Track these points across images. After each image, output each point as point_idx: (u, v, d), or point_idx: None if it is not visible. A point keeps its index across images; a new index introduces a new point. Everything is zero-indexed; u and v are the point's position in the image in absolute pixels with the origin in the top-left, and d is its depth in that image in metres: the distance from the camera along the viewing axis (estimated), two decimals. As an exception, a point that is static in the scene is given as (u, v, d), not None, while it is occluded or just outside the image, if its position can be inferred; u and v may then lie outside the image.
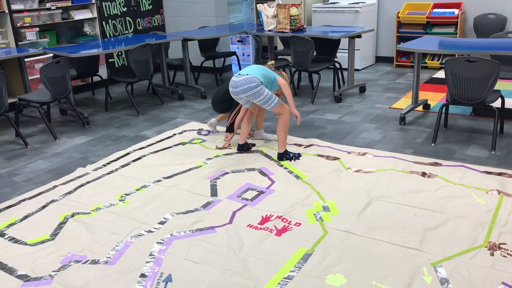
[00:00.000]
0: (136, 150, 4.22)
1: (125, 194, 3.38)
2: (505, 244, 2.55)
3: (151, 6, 7.33)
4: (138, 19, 7.17)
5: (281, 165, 3.75)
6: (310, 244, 2.64)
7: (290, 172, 3.62)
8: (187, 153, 4.08)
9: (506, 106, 4.19)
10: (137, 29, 7.16)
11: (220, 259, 2.54)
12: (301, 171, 3.62)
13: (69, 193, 3.45)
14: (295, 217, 2.95)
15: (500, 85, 5.38)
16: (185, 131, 4.67)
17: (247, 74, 3.70)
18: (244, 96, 3.72)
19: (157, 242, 2.73)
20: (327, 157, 3.84)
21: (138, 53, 5.23)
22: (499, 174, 3.39)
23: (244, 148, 4.06)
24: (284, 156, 3.84)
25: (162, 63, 6.04)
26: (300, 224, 2.86)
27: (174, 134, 4.58)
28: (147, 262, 2.55)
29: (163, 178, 3.60)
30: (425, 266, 2.40)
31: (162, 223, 2.95)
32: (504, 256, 2.44)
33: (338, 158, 3.81)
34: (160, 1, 7.46)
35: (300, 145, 4.10)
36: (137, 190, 3.43)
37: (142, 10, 7.20)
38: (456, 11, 6.57)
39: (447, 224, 2.77)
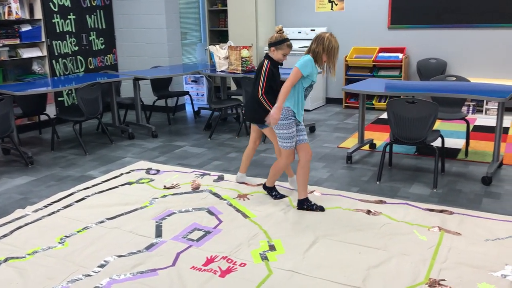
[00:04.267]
0: (81, 190, 4.08)
1: (65, 236, 3.24)
2: (444, 280, 2.59)
3: (103, 46, 7.30)
4: (90, 58, 7.10)
5: (230, 204, 3.71)
6: (254, 285, 2.59)
7: (239, 211, 3.59)
8: (133, 193, 3.98)
9: (446, 145, 4.37)
10: (88, 68, 7.08)
11: (161, 303, 2.45)
12: (249, 210, 3.60)
13: (4, 236, 3.26)
14: (241, 257, 2.90)
15: (441, 125, 5.63)
16: (133, 170, 4.58)
17: None
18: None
19: (95, 287, 2.60)
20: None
21: (87, 92, 5.16)
22: (441, 211, 3.49)
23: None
24: (269, 190, 3.87)
25: (112, 102, 5.97)
26: (245, 264, 2.82)
27: (122, 174, 4.48)
28: (83, 308, 2.42)
29: (106, 219, 3.49)
30: (368, 304, 2.40)
31: (101, 266, 2.83)
32: (444, 292, 2.48)
33: (287, 196, 3.82)
34: (113, 41, 7.45)
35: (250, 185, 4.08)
36: (78, 232, 3.30)
37: (94, 49, 7.15)
38: (400, 55, 6.90)
39: (390, 262, 2.80)
